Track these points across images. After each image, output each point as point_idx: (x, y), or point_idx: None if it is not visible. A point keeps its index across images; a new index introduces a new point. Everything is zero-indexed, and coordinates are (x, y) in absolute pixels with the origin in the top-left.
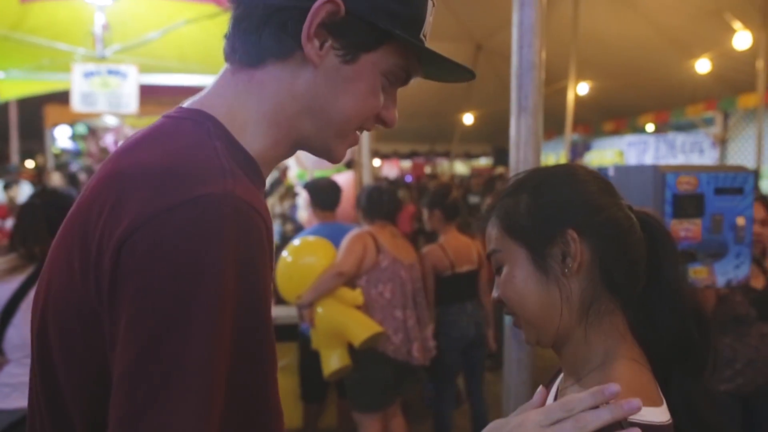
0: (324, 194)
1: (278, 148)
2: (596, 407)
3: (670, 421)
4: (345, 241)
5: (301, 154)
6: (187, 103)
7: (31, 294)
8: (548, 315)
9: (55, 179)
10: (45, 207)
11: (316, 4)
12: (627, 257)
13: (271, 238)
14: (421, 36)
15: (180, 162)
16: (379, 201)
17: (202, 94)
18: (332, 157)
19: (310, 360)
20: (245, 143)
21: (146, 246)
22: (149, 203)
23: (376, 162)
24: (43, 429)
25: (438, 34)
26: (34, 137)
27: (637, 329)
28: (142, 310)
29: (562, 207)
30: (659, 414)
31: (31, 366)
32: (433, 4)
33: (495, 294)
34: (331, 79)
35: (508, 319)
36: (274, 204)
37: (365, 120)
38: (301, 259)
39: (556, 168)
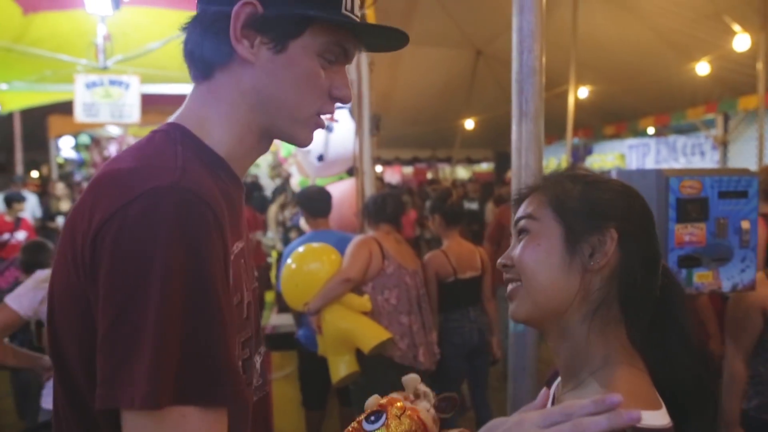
0: (314, 202)
1: (245, 142)
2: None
3: (670, 424)
4: (350, 248)
5: (303, 162)
6: (170, 119)
7: None
8: (555, 296)
9: (59, 189)
10: None
11: (234, 9)
12: (646, 282)
13: (219, 219)
14: (344, 10)
15: (142, 164)
16: (383, 204)
17: (179, 110)
18: (298, 142)
19: (309, 367)
20: (213, 144)
21: (111, 236)
22: (114, 200)
23: (378, 168)
24: (63, 408)
25: (438, 40)
26: (39, 148)
27: (654, 373)
28: (111, 288)
29: (615, 207)
30: (659, 417)
31: (48, 350)
32: None
33: (504, 258)
34: (270, 71)
35: (512, 327)
36: (276, 212)
37: (315, 101)
38: (306, 266)
39: (616, 179)
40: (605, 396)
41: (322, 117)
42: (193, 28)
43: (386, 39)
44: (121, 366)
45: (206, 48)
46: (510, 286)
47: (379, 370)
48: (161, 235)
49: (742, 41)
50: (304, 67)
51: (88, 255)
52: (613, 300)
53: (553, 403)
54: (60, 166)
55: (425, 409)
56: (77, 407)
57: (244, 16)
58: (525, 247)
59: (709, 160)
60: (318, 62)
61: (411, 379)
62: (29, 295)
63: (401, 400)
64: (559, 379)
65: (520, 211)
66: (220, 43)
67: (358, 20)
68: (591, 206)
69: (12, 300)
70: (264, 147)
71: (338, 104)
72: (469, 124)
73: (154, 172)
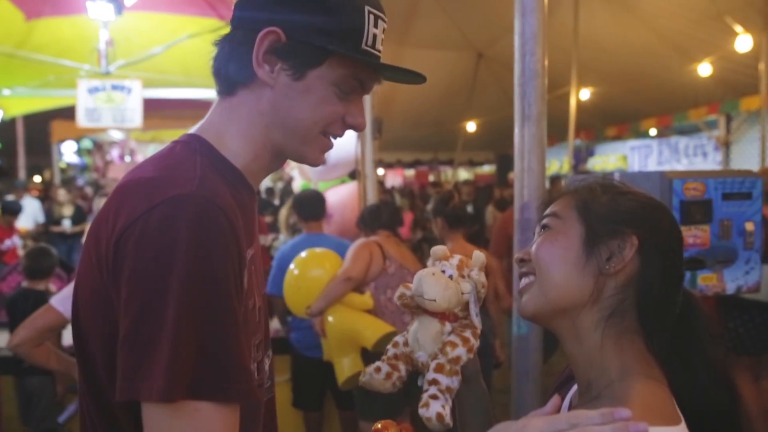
0: (307, 205)
1: (259, 158)
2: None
3: None
4: (351, 249)
5: (305, 166)
6: (191, 130)
7: None
8: (567, 294)
9: (61, 195)
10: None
11: (259, 36)
12: (665, 295)
13: (234, 227)
14: (365, 47)
15: (163, 174)
16: (378, 213)
17: (200, 122)
18: (307, 161)
19: (303, 370)
20: (230, 157)
21: (133, 240)
22: (137, 206)
23: (380, 171)
24: (88, 405)
25: (440, 42)
26: (41, 153)
27: (676, 391)
28: (133, 289)
29: (641, 217)
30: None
31: (74, 348)
32: (378, 16)
33: (522, 253)
34: (287, 95)
35: (515, 330)
36: (287, 215)
37: (327, 126)
38: (309, 271)
39: (648, 194)
40: (614, 409)
41: (331, 139)
42: (222, 45)
43: (404, 74)
44: (141, 361)
45: (231, 66)
46: (523, 281)
47: None
48: (180, 240)
49: (744, 42)
50: (319, 95)
51: (111, 258)
52: (629, 309)
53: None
54: (62, 170)
55: (466, 291)
56: (101, 402)
57: (267, 42)
58: (543, 242)
59: (712, 161)
60: (333, 92)
61: (440, 249)
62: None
63: (395, 426)
64: (575, 387)
65: (547, 210)
66: (244, 64)
67: (378, 55)
68: (616, 212)
69: (57, 302)
70: (277, 164)
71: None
72: (471, 126)
73: (174, 181)
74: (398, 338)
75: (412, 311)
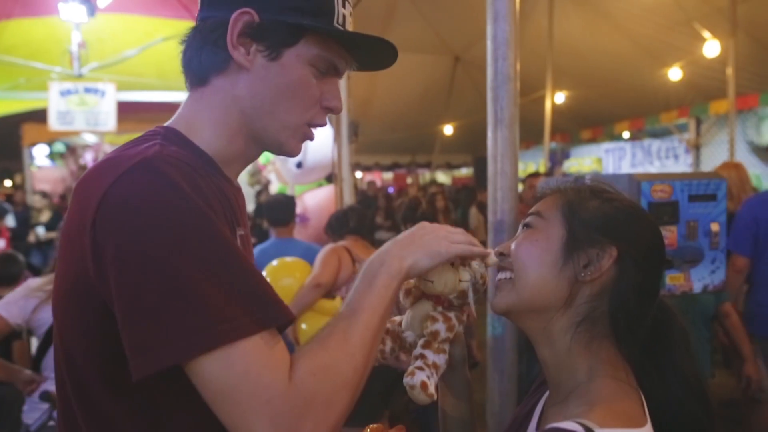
0: (276, 211)
1: (233, 144)
2: None
3: None
4: (320, 255)
5: (282, 169)
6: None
7: None
8: (540, 295)
9: (38, 201)
10: None
11: (232, 18)
12: (637, 309)
13: (208, 182)
14: (336, 24)
15: (124, 153)
16: (346, 219)
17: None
18: (286, 151)
19: None
20: (201, 144)
21: (107, 218)
22: (101, 186)
23: (358, 174)
24: (69, 405)
25: (417, 46)
26: (12, 156)
27: (648, 397)
28: (123, 262)
29: (625, 229)
30: None
31: (54, 348)
32: None
33: (502, 247)
34: (264, 77)
35: (491, 330)
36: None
37: (307, 109)
38: (279, 280)
39: (636, 204)
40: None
41: (312, 129)
42: (192, 38)
43: (376, 53)
44: (156, 328)
45: (204, 55)
46: (500, 275)
47: None
48: (153, 201)
49: (712, 47)
50: (296, 75)
51: (90, 241)
52: (602, 317)
53: (540, 415)
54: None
55: (465, 279)
56: (84, 399)
57: (241, 23)
58: (523, 240)
59: (683, 163)
60: (310, 71)
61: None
62: (19, 303)
63: (385, 430)
64: (548, 392)
65: (533, 208)
66: (218, 50)
67: (351, 32)
68: (601, 220)
69: (1, 307)
70: (252, 153)
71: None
72: (448, 129)
73: (135, 153)
74: (396, 317)
75: (415, 299)
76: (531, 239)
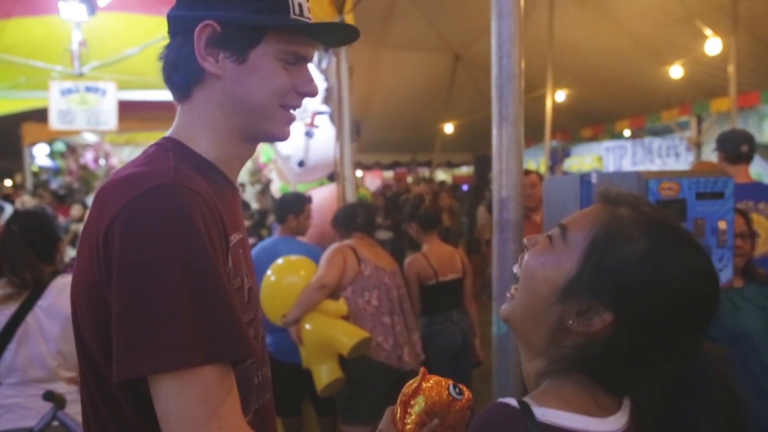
0: (284, 209)
1: (228, 147)
2: None
3: (620, 429)
4: (325, 255)
5: (284, 168)
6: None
7: (28, 319)
8: (528, 320)
9: (27, 201)
10: (25, 232)
11: (195, 32)
12: (625, 370)
13: (211, 208)
14: (294, 16)
15: (139, 170)
16: (354, 215)
17: (170, 129)
18: (274, 136)
19: (278, 376)
20: (200, 151)
21: (119, 230)
22: (120, 201)
23: (359, 173)
24: (89, 395)
25: (417, 44)
26: (12, 156)
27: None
28: (122, 273)
29: (637, 296)
30: (588, 423)
31: (75, 336)
32: None
33: (519, 263)
34: (236, 80)
35: (496, 329)
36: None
37: (282, 98)
38: (284, 278)
39: (693, 251)
40: None
41: (292, 111)
42: (166, 55)
43: (337, 32)
44: (137, 339)
45: (180, 71)
46: (514, 286)
47: (366, 375)
48: (161, 225)
49: (713, 45)
50: (265, 71)
51: (102, 251)
52: (582, 363)
53: None
54: (35, 174)
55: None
56: (103, 390)
57: (204, 36)
58: (532, 257)
59: (684, 162)
60: (279, 65)
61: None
62: None
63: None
64: None
65: (566, 219)
66: (190, 65)
67: (308, 22)
68: (618, 278)
69: None
70: (247, 150)
71: (319, 108)
72: (449, 128)
73: (151, 174)
74: None
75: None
76: (542, 261)
